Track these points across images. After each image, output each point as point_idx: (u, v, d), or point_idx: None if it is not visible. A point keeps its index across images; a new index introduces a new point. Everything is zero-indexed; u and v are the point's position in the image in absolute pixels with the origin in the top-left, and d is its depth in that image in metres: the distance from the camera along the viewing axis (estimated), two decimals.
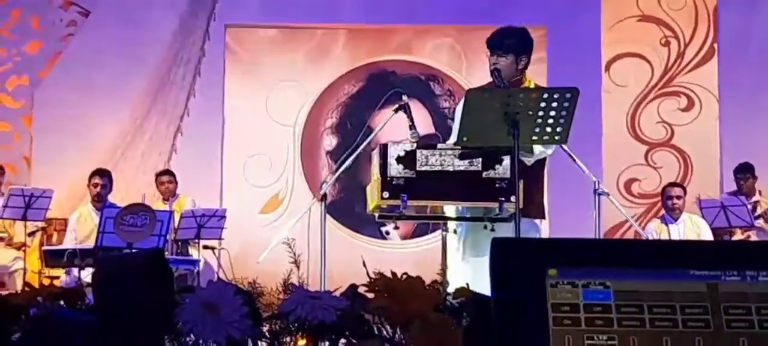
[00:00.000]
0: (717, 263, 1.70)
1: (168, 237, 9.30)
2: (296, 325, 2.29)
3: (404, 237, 11.51)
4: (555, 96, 5.09)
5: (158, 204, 10.41)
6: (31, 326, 2.55)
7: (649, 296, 1.67)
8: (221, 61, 11.86)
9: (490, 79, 5.72)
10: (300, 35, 11.96)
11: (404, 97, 6.07)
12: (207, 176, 11.56)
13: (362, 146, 6.39)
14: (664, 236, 10.03)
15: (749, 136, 11.22)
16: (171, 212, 9.69)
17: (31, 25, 11.94)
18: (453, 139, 5.60)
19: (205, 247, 10.32)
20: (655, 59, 11.79)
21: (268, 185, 11.74)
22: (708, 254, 1.74)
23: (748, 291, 1.68)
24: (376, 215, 5.59)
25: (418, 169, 5.21)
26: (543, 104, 5.08)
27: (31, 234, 10.39)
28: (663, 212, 10.48)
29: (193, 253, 10.32)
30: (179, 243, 10.20)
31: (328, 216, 6.48)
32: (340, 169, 6.60)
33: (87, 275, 8.65)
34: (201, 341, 2.21)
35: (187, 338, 2.24)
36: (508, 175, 5.16)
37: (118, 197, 10.64)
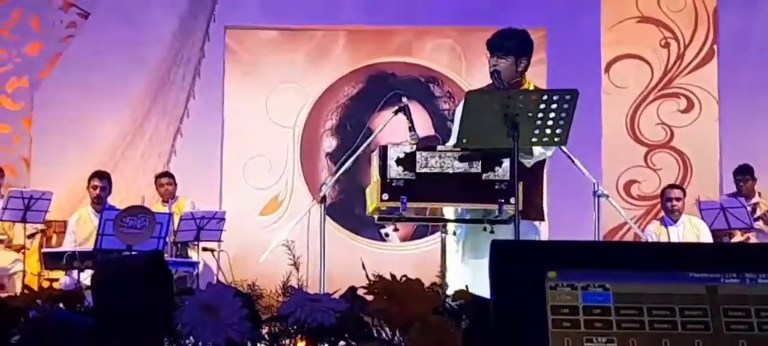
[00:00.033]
0: (716, 265, 1.70)
1: (167, 239, 9.30)
2: (295, 327, 2.29)
3: (404, 239, 11.51)
4: (554, 98, 5.09)
5: (158, 206, 10.41)
6: (31, 328, 2.55)
7: (648, 298, 1.67)
8: (221, 62, 11.87)
9: (490, 81, 5.73)
10: (300, 37, 11.96)
11: (404, 99, 6.08)
12: (206, 177, 11.56)
13: (362, 148, 6.39)
14: (664, 238, 10.03)
15: (749, 137, 11.22)
16: (170, 214, 9.69)
17: (31, 26, 11.94)
18: (453, 141, 5.61)
19: (205, 249, 10.31)
20: (655, 61, 11.79)
21: (268, 186, 11.74)
22: (707, 256, 1.74)
23: (748, 293, 1.68)
24: (376, 216, 5.59)
25: (417, 171, 5.22)
26: (542, 106, 5.08)
27: (31, 236, 10.39)
28: (662, 213, 10.48)
29: (193, 255, 10.32)
30: (179, 245, 10.20)
31: (327, 218, 6.48)
32: (340, 171, 6.60)
33: (86, 277, 8.64)
34: (200, 344, 2.21)
35: (187, 341, 2.24)
36: (507, 177, 5.17)
37: (118, 199, 10.64)
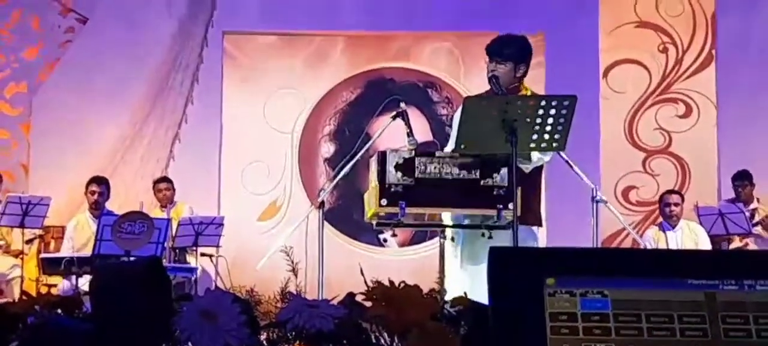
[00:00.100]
0: (715, 272, 1.70)
1: (166, 245, 9.29)
2: (294, 333, 2.29)
3: (402, 244, 11.51)
4: (553, 103, 5.10)
5: (156, 211, 10.41)
6: (29, 334, 2.55)
7: (647, 305, 1.67)
8: (219, 67, 11.86)
9: (488, 87, 5.73)
10: (298, 42, 11.96)
11: (402, 105, 6.08)
12: (205, 183, 11.56)
13: (360, 153, 6.39)
14: (662, 244, 10.03)
15: (747, 143, 11.22)
16: (169, 220, 9.69)
17: (29, 31, 11.94)
18: (451, 146, 5.61)
19: (203, 254, 10.31)
20: (653, 66, 11.79)
21: (266, 192, 11.73)
22: (706, 263, 1.74)
23: (746, 300, 1.68)
24: (374, 222, 5.58)
25: (416, 176, 5.22)
26: (541, 112, 5.09)
27: (29, 242, 10.38)
28: (661, 219, 10.48)
29: (191, 260, 10.31)
30: (177, 251, 10.19)
31: (325, 223, 6.48)
32: (338, 177, 6.60)
33: (84, 283, 8.64)
34: None
35: None
36: (506, 182, 5.17)
37: (117, 203, 10.63)
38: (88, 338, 2.36)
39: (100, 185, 10.27)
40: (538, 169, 5.75)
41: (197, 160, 11.67)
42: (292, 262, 2.76)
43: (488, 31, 6.40)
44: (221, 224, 10.10)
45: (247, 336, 2.23)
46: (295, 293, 2.46)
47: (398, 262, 11.12)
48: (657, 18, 11.80)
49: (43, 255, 10.04)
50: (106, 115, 11.59)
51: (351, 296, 2.44)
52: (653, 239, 10.19)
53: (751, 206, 10.44)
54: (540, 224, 5.77)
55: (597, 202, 6.21)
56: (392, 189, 5.20)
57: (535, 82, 7.83)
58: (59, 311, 2.66)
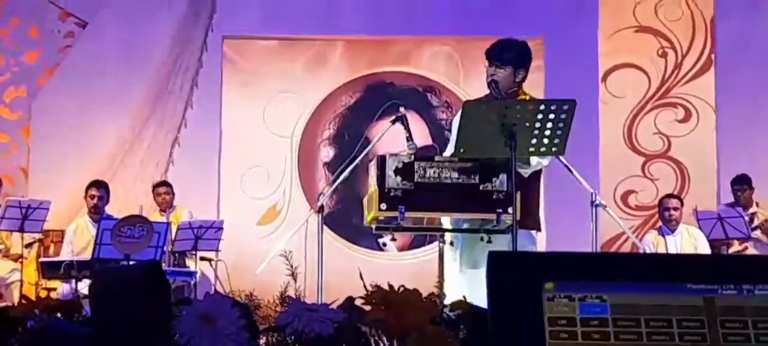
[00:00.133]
0: (714, 276, 1.70)
1: (165, 249, 9.29)
2: (293, 338, 2.29)
3: (401, 249, 11.51)
4: (552, 108, 5.11)
5: (155, 215, 10.40)
6: (29, 338, 2.55)
7: (645, 309, 1.67)
8: (219, 71, 11.86)
9: (488, 91, 5.74)
10: (298, 46, 11.96)
11: (401, 109, 6.09)
12: (204, 187, 11.56)
13: (360, 158, 6.40)
14: (661, 248, 10.03)
15: (746, 147, 11.22)
16: (168, 224, 9.68)
17: (29, 36, 11.94)
18: (450, 150, 5.62)
19: (203, 258, 10.30)
20: (652, 70, 11.79)
21: (266, 196, 11.73)
22: (705, 267, 1.74)
23: (745, 305, 1.68)
24: (374, 226, 5.59)
25: (415, 180, 5.22)
26: (540, 116, 5.09)
27: (29, 246, 10.37)
28: (660, 223, 10.48)
29: (190, 264, 10.30)
30: (176, 255, 10.18)
31: (325, 227, 6.48)
32: (338, 181, 6.61)
33: (84, 286, 8.63)
34: None
35: None
36: (505, 187, 5.17)
37: (117, 207, 10.64)
38: (88, 341, 2.36)
39: (99, 189, 10.26)
40: (537, 174, 5.75)
41: (197, 165, 11.66)
42: (292, 266, 2.76)
43: (488, 36, 6.39)
44: (221, 228, 10.09)
45: (247, 340, 2.23)
46: (294, 297, 2.46)
47: (397, 266, 11.12)
48: (656, 22, 11.80)
49: (42, 259, 10.04)
50: (105, 119, 11.59)
51: (350, 300, 2.45)
52: (652, 243, 10.19)
53: (751, 210, 10.44)
54: (539, 229, 5.77)
55: (596, 206, 6.22)
56: (391, 193, 5.20)
57: (534, 86, 7.83)
58: (59, 314, 2.66)
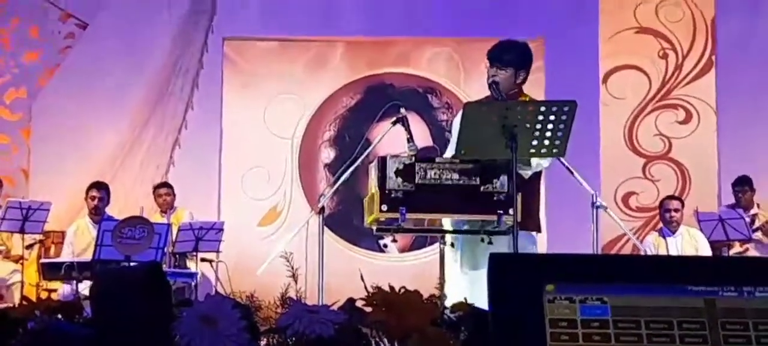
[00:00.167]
0: (714, 278, 1.70)
1: (166, 250, 9.29)
2: (294, 339, 2.29)
3: (402, 250, 11.50)
4: (553, 109, 5.11)
5: (156, 217, 10.40)
6: (29, 339, 2.55)
7: (646, 311, 1.67)
8: (219, 73, 11.86)
9: (488, 92, 5.74)
10: (298, 47, 11.96)
11: (402, 110, 6.09)
12: (205, 188, 11.55)
13: (360, 159, 6.40)
14: (662, 250, 10.03)
15: (747, 148, 11.21)
16: (169, 225, 9.68)
17: (29, 37, 11.94)
18: (451, 152, 5.61)
19: (203, 260, 10.29)
20: (653, 71, 11.78)
21: (266, 197, 11.73)
22: (705, 269, 1.74)
23: (745, 307, 1.68)
24: (374, 227, 5.59)
25: (416, 182, 5.23)
26: (541, 117, 5.09)
27: (29, 247, 10.36)
28: (661, 225, 10.48)
29: (191, 266, 10.30)
30: (177, 256, 10.18)
31: (326, 229, 6.49)
32: (338, 182, 6.61)
33: (85, 288, 8.63)
34: None
35: None
36: (506, 188, 5.18)
37: (117, 208, 10.63)
38: (89, 343, 2.36)
39: (100, 190, 10.26)
40: (538, 175, 5.75)
41: (197, 166, 11.66)
42: (292, 267, 2.76)
43: (488, 37, 6.40)
44: (221, 230, 10.09)
45: (247, 342, 2.23)
46: (295, 298, 2.46)
47: (398, 267, 11.12)
48: (657, 24, 11.80)
49: (43, 260, 10.03)
50: (106, 120, 11.59)
51: (351, 301, 2.45)
52: (653, 245, 10.18)
53: (752, 212, 10.44)
54: (540, 230, 5.77)
55: (597, 208, 6.22)
56: (392, 195, 5.20)
57: (534, 87, 7.84)
58: (59, 316, 2.66)
